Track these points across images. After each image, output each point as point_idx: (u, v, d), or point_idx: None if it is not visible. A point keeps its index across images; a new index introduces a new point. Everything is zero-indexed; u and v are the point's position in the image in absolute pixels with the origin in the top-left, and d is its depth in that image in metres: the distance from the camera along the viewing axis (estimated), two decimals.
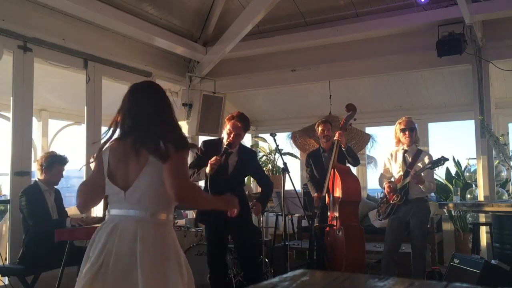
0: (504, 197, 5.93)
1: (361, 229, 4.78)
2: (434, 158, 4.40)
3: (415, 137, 4.62)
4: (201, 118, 6.41)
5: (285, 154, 6.79)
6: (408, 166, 4.49)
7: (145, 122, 2.21)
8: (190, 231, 5.44)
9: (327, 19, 6.12)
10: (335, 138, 4.88)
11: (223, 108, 6.60)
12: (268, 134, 4.84)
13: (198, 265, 4.54)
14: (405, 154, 4.57)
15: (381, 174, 4.81)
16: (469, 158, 6.48)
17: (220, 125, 6.64)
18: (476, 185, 6.02)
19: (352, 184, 4.81)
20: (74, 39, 5.16)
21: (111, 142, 2.28)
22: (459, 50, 5.28)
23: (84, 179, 5.29)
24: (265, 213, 5.54)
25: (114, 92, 6.15)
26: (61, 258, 3.76)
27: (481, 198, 5.60)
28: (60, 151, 4.53)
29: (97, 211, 5.31)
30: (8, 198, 4.71)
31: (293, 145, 7.19)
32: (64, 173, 4.48)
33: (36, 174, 4.46)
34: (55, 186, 4.46)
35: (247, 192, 5.36)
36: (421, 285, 0.86)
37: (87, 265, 2.14)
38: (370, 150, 7.00)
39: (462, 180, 6.76)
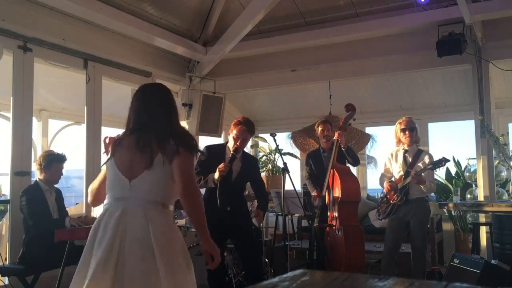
0: (504, 197, 5.93)
1: (360, 229, 4.78)
2: (435, 158, 4.40)
3: (415, 137, 4.62)
4: (201, 118, 6.41)
5: (285, 154, 6.79)
6: (408, 166, 4.49)
7: (157, 121, 2.32)
8: (190, 231, 5.44)
9: (327, 19, 6.11)
10: (334, 138, 4.88)
11: (223, 108, 6.60)
12: (268, 134, 4.84)
13: (198, 265, 4.53)
14: (406, 154, 4.57)
15: (382, 174, 4.81)
16: (469, 158, 6.48)
17: (220, 125, 6.64)
18: (476, 185, 6.02)
19: (352, 184, 4.81)
20: (74, 39, 5.16)
21: (121, 136, 2.38)
22: (459, 50, 5.28)
23: (84, 178, 5.31)
24: (265, 213, 5.55)
25: (114, 92, 6.19)
26: (61, 258, 3.76)
27: (481, 198, 5.60)
28: (60, 151, 4.53)
29: (97, 211, 5.31)
30: (8, 198, 4.71)
31: (293, 145, 7.19)
32: (64, 172, 4.49)
33: (36, 174, 4.46)
34: (56, 186, 4.46)
35: (247, 192, 5.36)
36: (421, 285, 0.86)
37: (100, 249, 2.17)
38: (370, 150, 7.00)
39: (462, 180, 6.76)
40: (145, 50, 6.18)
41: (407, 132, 4.54)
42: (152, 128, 2.29)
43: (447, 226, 6.72)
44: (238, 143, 4.05)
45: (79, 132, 6.42)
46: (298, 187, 6.53)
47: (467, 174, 6.54)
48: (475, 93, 5.67)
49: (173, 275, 2.15)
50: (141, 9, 5.63)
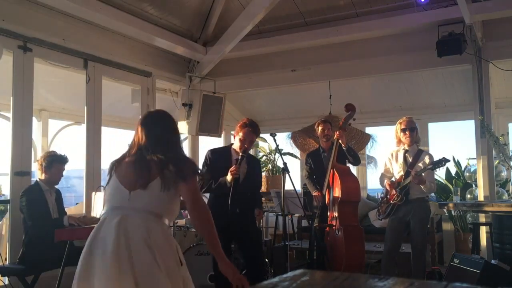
0: (504, 197, 5.93)
1: (360, 229, 4.78)
2: (435, 158, 4.40)
3: (416, 137, 4.62)
4: (201, 118, 6.40)
5: (285, 154, 6.79)
6: (409, 166, 4.49)
7: (159, 146, 2.40)
8: (190, 231, 5.45)
9: (327, 19, 6.11)
10: (334, 138, 4.88)
11: (223, 108, 6.60)
12: (268, 134, 4.84)
13: (198, 265, 4.55)
14: (406, 154, 4.57)
15: (382, 174, 4.81)
16: (469, 158, 6.48)
17: (220, 125, 6.64)
18: (476, 185, 6.02)
19: (352, 184, 4.81)
20: (74, 39, 5.16)
21: (122, 156, 2.49)
22: (459, 50, 5.28)
23: (84, 178, 5.31)
24: (265, 213, 5.55)
25: (114, 92, 6.20)
26: (61, 258, 3.76)
27: (481, 198, 5.60)
28: (60, 151, 4.54)
29: (97, 211, 5.31)
30: (8, 198, 4.71)
31: (293, 145, 7.18)
32: (64, 173, 4.49)
33: (37, 174, 4.46)
34: (56, 186, 4.46)
35: None
36: (421, 285, 0.86)
37: (101, 256, 2.21)
38: (370, 150, 7.00)
39: (462, 180, 6.76)
40: (145, 50, 6.18)
41: (407, 132, 4.54)
42: (153, 153, 2.37)
43: (447, 226, 6.72)
44: (246, 145, 4.14)
45: (79, 132, 6.42)
46: (298, 187, 6.52)
47: (467, 174, 6.54)
48: (475, 93, 5.67)
49: (170, 278, 2.25)
50: (141, 9, 5.63)
